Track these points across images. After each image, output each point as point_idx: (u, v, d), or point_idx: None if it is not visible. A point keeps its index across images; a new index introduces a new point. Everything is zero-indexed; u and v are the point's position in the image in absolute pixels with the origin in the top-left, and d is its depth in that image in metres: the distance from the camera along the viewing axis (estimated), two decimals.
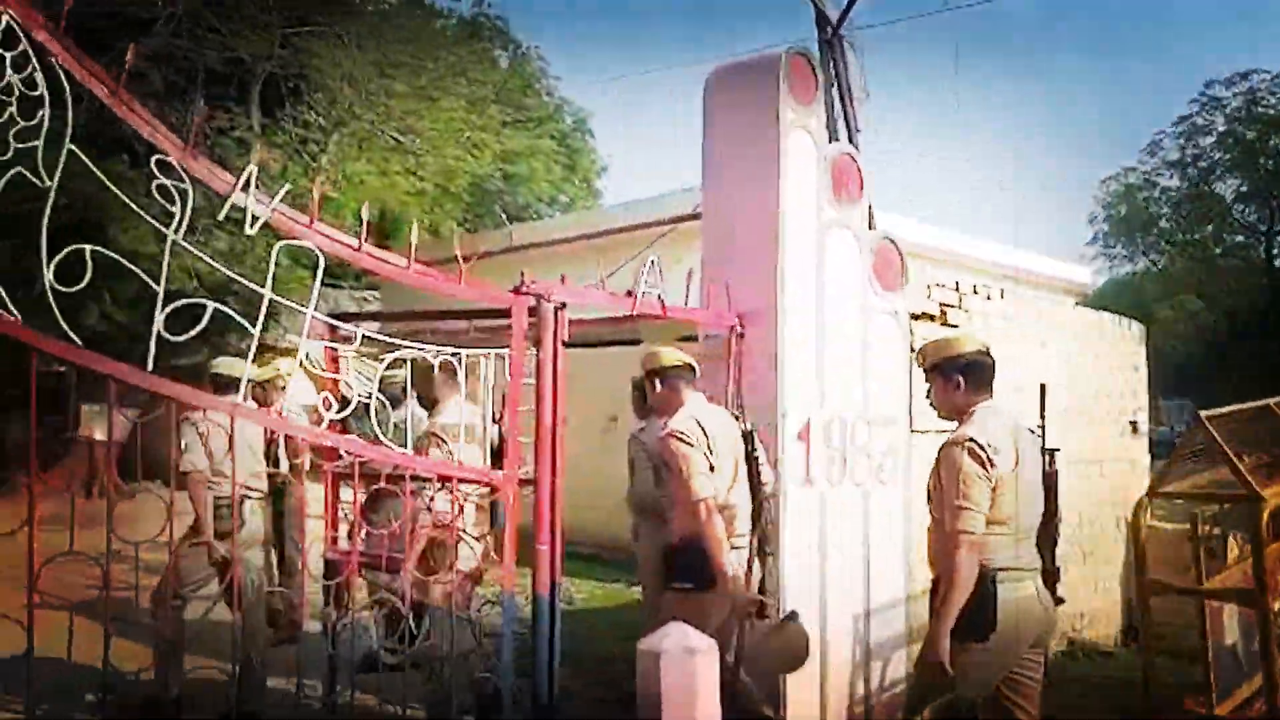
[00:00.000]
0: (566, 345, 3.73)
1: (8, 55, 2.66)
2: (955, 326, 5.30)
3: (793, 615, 3.87)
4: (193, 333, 2.93)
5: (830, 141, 4.78)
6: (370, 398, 3.49)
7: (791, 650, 3.81)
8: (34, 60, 2.69)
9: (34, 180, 2.72)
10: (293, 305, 3.23)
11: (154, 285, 2.92)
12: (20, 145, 2.69)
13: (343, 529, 4.09)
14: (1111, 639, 6.66)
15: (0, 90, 2.65)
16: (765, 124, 4.36)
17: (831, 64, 5.46)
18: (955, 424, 3.28)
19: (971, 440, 3.05)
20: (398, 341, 3.44)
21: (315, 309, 3.19)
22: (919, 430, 4.94)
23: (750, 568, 3.77)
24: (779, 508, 4.15)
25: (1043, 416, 3.60)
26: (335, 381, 3.73)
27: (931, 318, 5.17)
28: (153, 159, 2.90)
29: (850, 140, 5.00)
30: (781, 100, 4.33)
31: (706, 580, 3.67)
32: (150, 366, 2.88)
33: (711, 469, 3.70)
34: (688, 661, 2.95)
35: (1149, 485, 5.52)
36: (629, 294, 4.03)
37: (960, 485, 3.00)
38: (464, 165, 14.68)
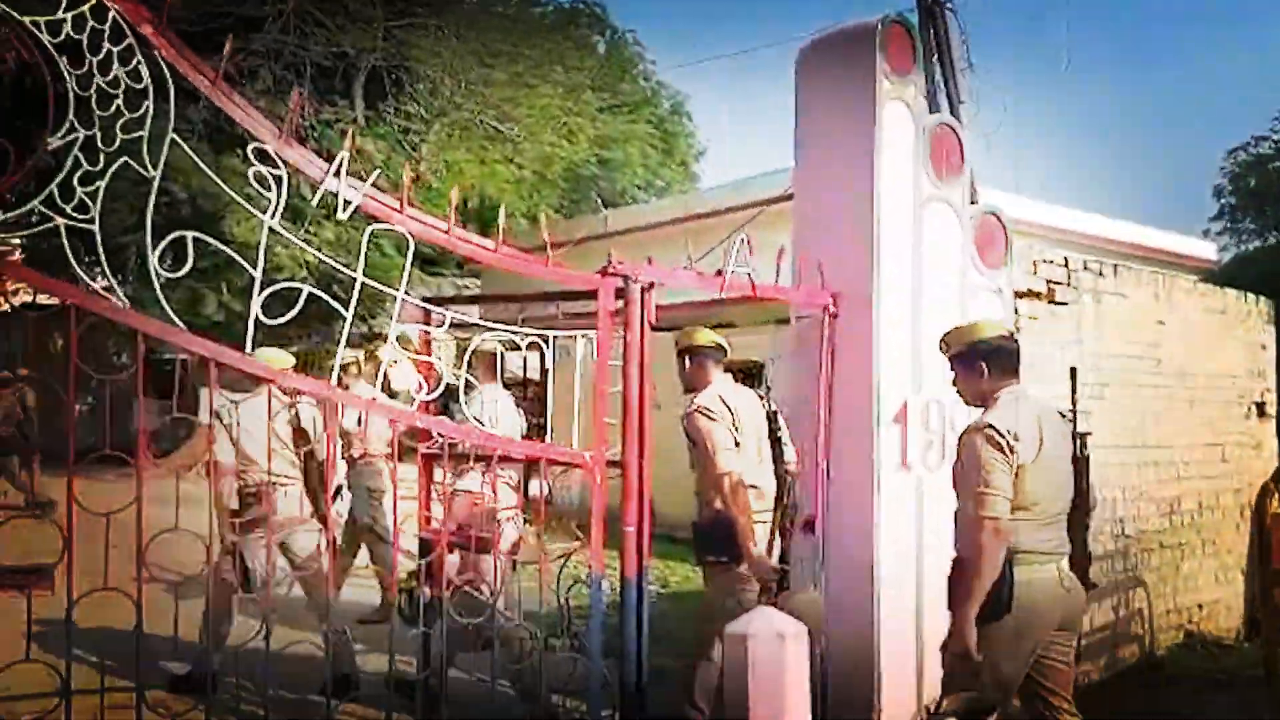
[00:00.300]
0: (656, 329, 3.70)
1: (115, 49, 2.77)
2: (1064, 305, 5.07)
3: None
4: (288, 316, 3.01)
5: (930, 113, 4.61)
6: (459, 380, 3.54)
7: (803, 621, 3.93)
8: (139, 54, 2.80)
9: (139, 171, 2.82)
10: (384, 289, 3.29)
11: (253, 271, 3.01)
12: (126, 137, 2.80)
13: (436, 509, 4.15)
14: (1232, 632, 6.30)
15: (107, 83, 2.76)
16: (861, 95, 4.23)
17: (932, 34, 5.26)
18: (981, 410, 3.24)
19: (990, 427, 3.05)
20: (486, 324, 3.47)
21: (417, 297, 3.26)
22: None
23: (772, 542, 4.02)
24: (874, 495, 4.04)
25: (1074, 399, 3.54)
26: (429, 364, 3.79)
27: (1038, 295, 4.95)
28: (250, 147, 2.99)
29: (952, 112, 4.80)
30: (878, 70, 4.19)
31: (736, 554, 3.87)
32: (249, 349, 2.98)
33: (736, 445, 3.94)
34: (777, 646, 2.91)
35: (1276, 470, 5.19)
36: (718, 274, 3.97)
37: (981, 471, 3.00)
38: (560, 152, 14.74)
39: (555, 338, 3.72)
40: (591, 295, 3.67)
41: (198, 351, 2.86)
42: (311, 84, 13.06)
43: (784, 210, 6.34)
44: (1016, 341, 3.31)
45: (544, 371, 3.77)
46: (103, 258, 2.76)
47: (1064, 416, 3.36)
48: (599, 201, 17.87)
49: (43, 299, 2.88)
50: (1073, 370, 3.52)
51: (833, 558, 4.13)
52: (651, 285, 3.70)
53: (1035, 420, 3.12)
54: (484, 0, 16.22)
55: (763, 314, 8.46)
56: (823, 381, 4.24)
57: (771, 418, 4.18)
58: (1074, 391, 3.47)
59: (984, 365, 3.23)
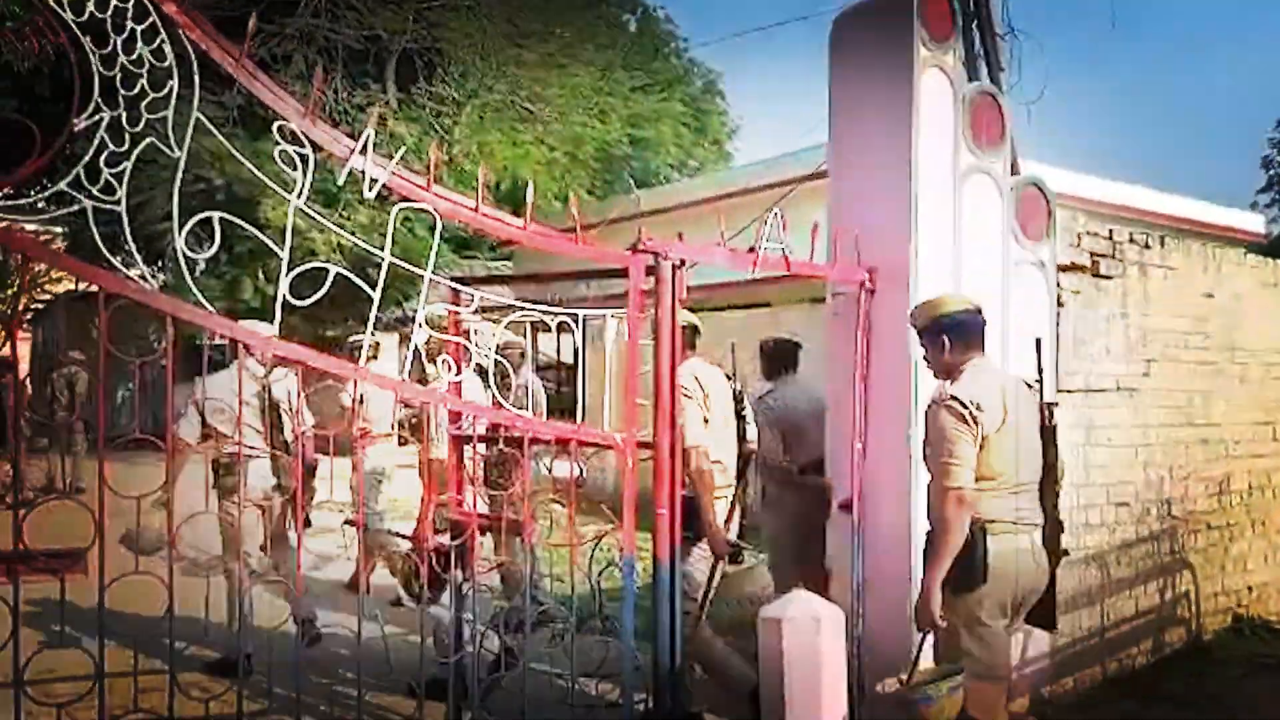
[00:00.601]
0: (694, 310, 3.63)
1: (138, 28, 2.74)
2: (1109, 278, 4.91)
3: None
4: (315, 298, 2.98)
5: (969, 82, 4.47)
6: (489, 361, 3.50)
7: (759, 591, 4.18)
8: (163, 32, 2.77)
9: (167, 152, 2.80)
10: (412, 269, 3.25)
11: (280, 253, 2.98)
12: (152, 117, 2.78)
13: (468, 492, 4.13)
14: None
15: (132, 63, 2.73)
16: (898, 63, 4.11)
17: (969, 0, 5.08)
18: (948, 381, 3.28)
19: (953, 399, 3.10)
20: (514, 303, 3.42)
21: (449, 278, 3.22)
22: (1066, 390, 4.61)
23: (730, 516, 4.14)
24: (911, 476, 3.95)
25: (1040, 369, 3.47)
26: (458, 345, 3.76)
27: (1082, 269, 4.81)
28: (275, 125, 2.95)
29: (991, 80, 4.65)
30: (915, 36, 4.07)
31: (698, 529, 3.90)
32: (276, 331, 2.96)
33: (706, 422, 4.01)
34: (812, 629, 2.85)
35: None
36: (750, 250, 3.89)
37: (945, 443, 3.06)
38: (592, 132, 14.67)
39: (586, 317, 3.67)
40: (623, 274, 3.61)
41: (225, 333, 2.84)
42: (343, 68, 13.08)
43: (818, 187, 6.22)
44: (980, 315, 3.37)
45: (575, 352, 3.71)
46: (128, 238, 2.74)
47: (1030, 387, 3.39)
48: (632, 182, 17.75)
49: (84, 287, 2.88)
50: (1038, 341, 3.55)
51: (869, 539, 4.06)
52: (683, 263, 3.64)
53: (999, 391, 3.17)
54: None
55: (796, 293, 8.37)
56: (859, 359, 4.15)
57: (737, 397, 4.38)
58: (1039, 361, 3.46)
59: (946, 339, 3.29)
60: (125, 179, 2.74)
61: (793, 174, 9.53)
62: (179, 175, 2.78)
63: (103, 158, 2.70)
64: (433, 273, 3.25)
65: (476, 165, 13.69)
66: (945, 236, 4.24)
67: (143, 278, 2.95)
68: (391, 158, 3.10)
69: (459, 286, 3.72)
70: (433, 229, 3.29)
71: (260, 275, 12.95)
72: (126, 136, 2.74)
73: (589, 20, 16.27)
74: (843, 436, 4.25)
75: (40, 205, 2.87)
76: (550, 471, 3.67)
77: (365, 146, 3.01)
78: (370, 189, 3.02)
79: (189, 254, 2.85)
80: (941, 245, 4.21)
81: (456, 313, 3.80)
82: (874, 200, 4.25)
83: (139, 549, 2.98)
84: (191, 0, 2.83)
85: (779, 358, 5.18)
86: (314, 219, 2.99)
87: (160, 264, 14.18)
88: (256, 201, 11.29)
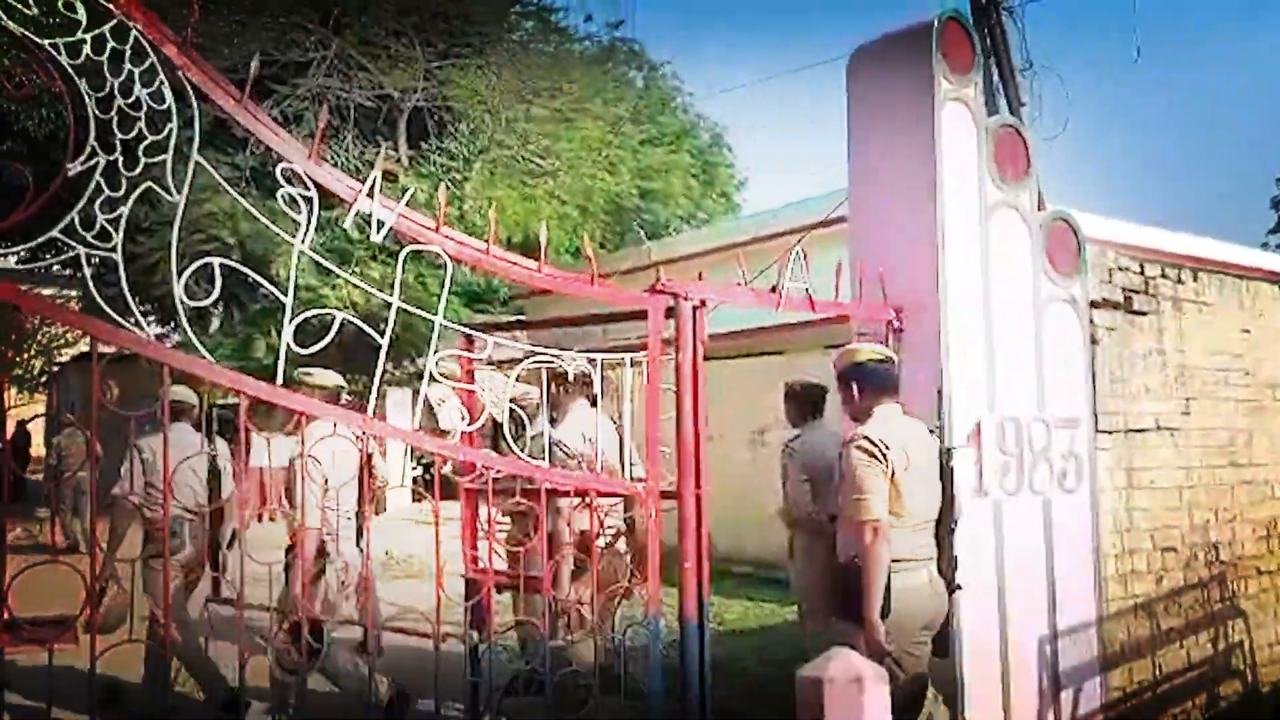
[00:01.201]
0: (708, 359, 3.48)
1: (136, 70, 2.65)
2: (1143, 314, 4.75)
3: None
4: (320, 345, 2.86)
5: (990, 116, 4.36)
6: (502, 412, 3.34)
7: None
8: (161, 74, 2.67)
9: (163, 193, 2.69)
10: (422, 314, 3.11)
11: (283, 299, 2.86)
12: (150, 160, 2.67)
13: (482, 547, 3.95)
14: None
15: (129, 105, 2.63)
16: (918, 97, 4.00)
17: (988, 34, 5.03)
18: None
19: (865, 438, 3.32)
20: (529, 347, 3.28)
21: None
22: (1105, 430, 4.42)
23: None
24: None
25: (940, 415, 3.78)
26: (470, 393, 3.61)
27: (1115, 305, 4.64)
28: (279, 168, 2.85)
29: (1013, 114, 4.55)
30: (935, 69, 3.96)
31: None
32: (279, 381, 2.82)
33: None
34: (854, 690, 2.64)
35: None
36: (773, 290, 3.75)
37: (857, 479, 3.27)
38: (601, 184, 14.68)
39: (603, 362, 3.52)
40: (640, 317, 3.47)
41: (223, 384, 2.70)
42: (355, 126, 13.17)
43: (830, 234, 6.16)
44: (892, 364, 3.59)
45: (592, 398, 3.56)
46: (124, 285, 2.61)
47: (932, 432, 3.64)
48: (642, 234, 17.77)
49: (102, 349, 2.76)
50: (939, 391, 3.83)
51: None
52: (703, 303, 3.49)
53: (904, 435, 3.40)
54: (523, 39, 16.33)
55: (811, 340, 8.23)
56: None
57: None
58: (940, 408, 3.78)
59: (858, 385, 3.51)
60: (121, 225, 2.62)
61: (803, 222, 9.52)
62: (178, 218, 2.67)
63: (98, 203, 2.59)
64: (445, 325, 3.12)
65: (487, 219, 13.72)
66: (973, 272, 4.09)
67: (159, 338, 2.82)
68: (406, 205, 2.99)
69: (472, 332, 3.58)
70: (444, 282, 3.17)
71: (272, 333, 12.92)
72: (123, 181, 2.63)
73: (596, 76, 16.40)
74: None
75: (32, 254, 2.72)
76: (570, 524, 3.49)
77: (372, 189, 2.90)
78: (378, 231, 2.90)
79: (188, 302, 2.72)
80: (970, 281, 4.07)
81: (469, 359, 3.66)
82: (898, 237, 4.11)
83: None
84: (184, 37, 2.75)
85: (806, 402, 4.99)
86: (323, 266, 2.87)
87: (175, 324, 14.19)
88: (269, 260, 11.29)
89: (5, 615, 2.48)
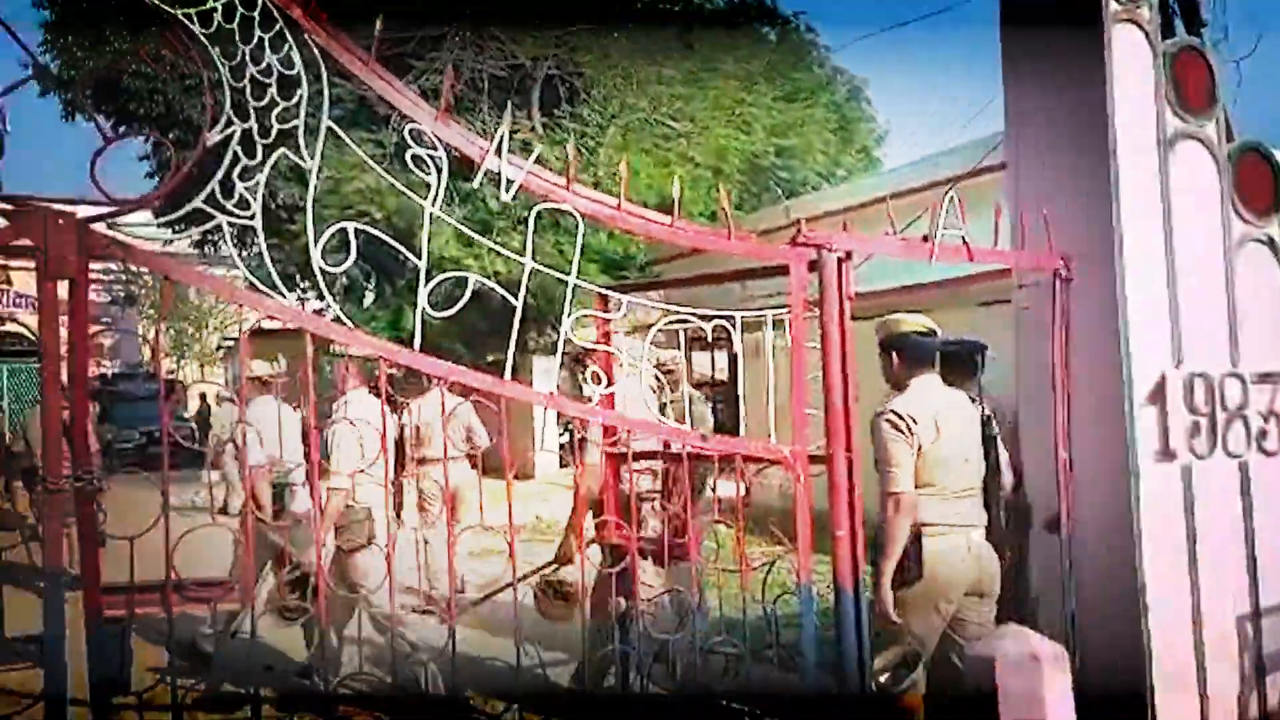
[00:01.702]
0: (854, 319, 3.26)
1: (265, 36, 2.63)
2: None
3: None
4: (454, 310, 2.82)
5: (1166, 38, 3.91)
6: (643, 375, 3.23)
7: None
8: (290, 39, 2.65)
9: (297, 161, 2.68)
10: (555, 274, 3.01)
11: (416, 260, 2.83)
12: (282, 126, 2.66)
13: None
14: None
15: (260, 71, 2.63)
16: (1084, 18, 3.61)
17: None
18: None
19: (892, 411, 3.44)
20: (665, 306, 3.14)
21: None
22: None
23: None
24: (1131, 487, 3.43)
25: (979, 383, 3.89)
26: (607, 355, 3.51)
27: None
28: (406, 128, 2.80)
29: (1193, 35, 4.06)
30: None
31: None
32: (417, 346, 2.80)
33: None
34: (1031, 671, 2.41)
35: None
36: (924, 239, 3.48)
37: (884, 451, 3.41)
38: (736, 143, 14.38)
39: (743, 322, 3.35)
40: (782, 272, 3.28)
41: (365, 350, 2.69)
42: (489, 97, 13.32)
43: (979, 184, 5.77)
44: (934, 337, 3.64)
45: (732, 358, 3.40)
46: (265, 253, 2.63)
47: (974, 401, 3.71)
48: (780, 194, 17.35)
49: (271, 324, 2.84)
50: (982, 353, 3.99)
51: (1083, 563, 3.53)
52: (848, 255, 3.26)
53: (938, 407, 3.47)
54: (652, 0, 16.13)
55: (958, 297, 7.80)
56: (1057, 358, 3.65)
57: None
58: (981, 371, 3.89)
59: (898, 355, 3.61)
60: (259, 194, 2.63)
61: (954, 171, 9.00)
62: (313, 182, 2.65)
63: (235, 171, 2.60)
64: (578, 284, 3.03)
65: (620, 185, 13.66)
66: (1152, 213, 3.69)
67: (317, 312, 2.85)
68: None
69: (607, 292, 3.47)
70: (588, 256, 3.08)
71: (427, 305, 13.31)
72: (259, 149, 2.63)
73: (728, 34, 16.04)
74: (1039, 447, 3.75)
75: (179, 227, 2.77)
76: (714, 490, 3.35)
77: (500, 146, 2.82)
78: (506, 190, 2.81)
79: (328, 269, 2.73)
80: (1149, 223, 3.67)
81: (606, 321, 3.55)
82: (1064, 179, 3.76)
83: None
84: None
85: (959, 364, 4.67)
86: (465, 237, 2.82)
87: (331, 297, 14.85)
88: (414, 232, 11.56)
89: (172, 576, 2.55)
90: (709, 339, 3.42)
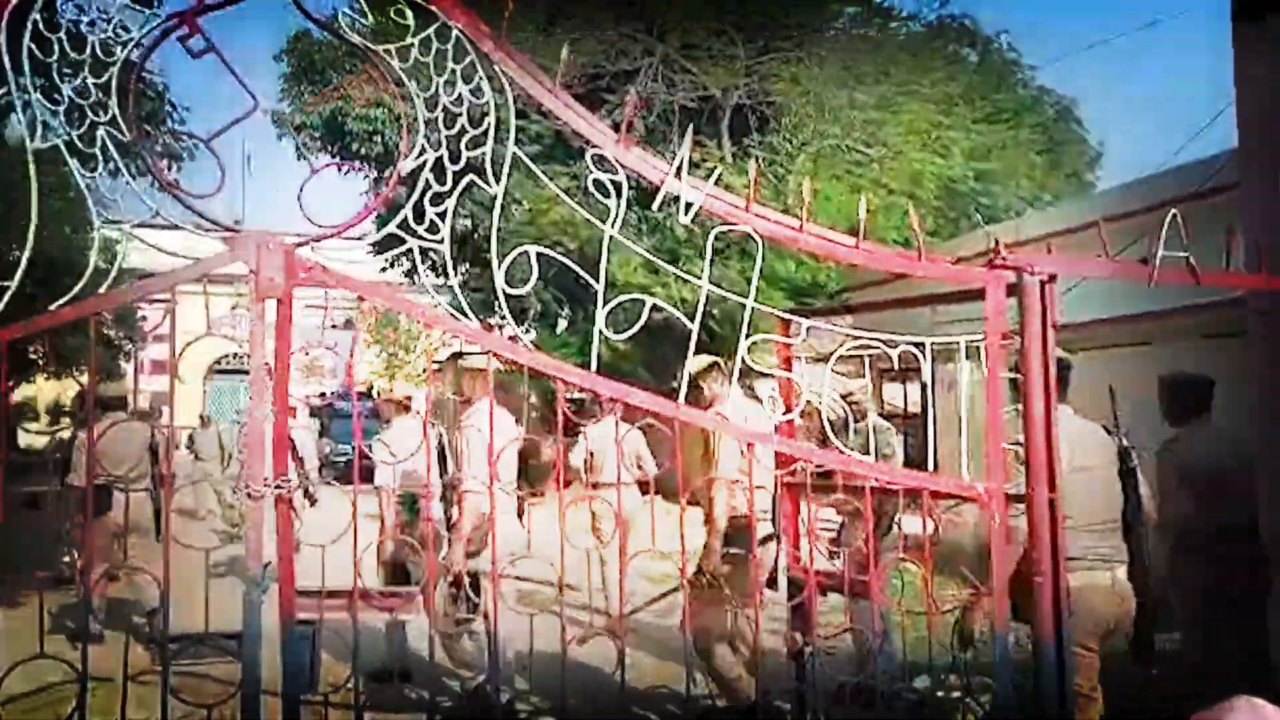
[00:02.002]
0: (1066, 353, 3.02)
1: (458, 67, 2.74)
2: None
3: None
4: (631, 331, 2.82)
5: None
6: (826, 403, 3.11)
7: None
8: (480, 70, 2.75)
9: (482, 185, 2.77)
10: (734, 297, 2.96)
11: (592, 280, 2.86)
12: (470, 153, 2.76)
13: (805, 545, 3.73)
14: None
15: (452, 102, 2.73)
16: None
17: None
18: None
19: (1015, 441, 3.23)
20: (849, 331, 3.01)
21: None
22: None
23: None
24: None
25: (1115, 416, 3.64)
26: (788, 383, 3.41)
27: None
28: (588, 154, 2.83)
29: None
30: None
31: None
32: (594, 366, 2.81)
33: None
34: None
35: None
36: (1143, 261, 3.17)
37: None
38: (932, 168, 13.87)
39: (935, 348, 3.16)
40: (978, 296, 3.07)
41: (544, 371, 2.73)
42: (678, 128, 13.52)
43: (1200, 207, 5.25)
44: (1067, 366, 3.47)
45: (922, 387, 3.21)
46: (453, 278, 2.71)
47: (1110, 433, 3.58)
48: (979, 219, 16.58)
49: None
50: (1110, 388, 3.74)
51: None
52: (1052, 278, 3.02)
53: (1072, 437, 3.26)
54: (845, 25, 15.92)
55: (1186, 327, 7.12)
56: None
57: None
58: (1114, 406, 3.68)
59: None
60: (448, 219, 2.72)
61: (1174, 193, 8.28)
62: (497, 207, 2.73)
63: (427, 197, 2.71)
64: (757, 308, 2.96)
65: (810, 213, 13.47)
66: None
67: (512, 338, 2.95)
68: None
69: (789, 317, 3.37)
70: (768, 279, 3.03)
71: (611, 330, 13.60)
72: (449, 175, 2.74)
73: (924, 56, 15.57)
74: None
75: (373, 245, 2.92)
76: (899, 527, 3.17)
77: (680, 169, 2.80)
78: (686, 212, 2.79)
79: (509, 290, 2.79)
80: None
81: (787, 346, 3.45)
82: None
83: None
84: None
85: (1187, 398, 4.23)
86: (653, 265, 2.83)
87: (525, 327, 15.45)
88: (598, 260, 11.87)
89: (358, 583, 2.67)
90: (898, 369, 3.27)
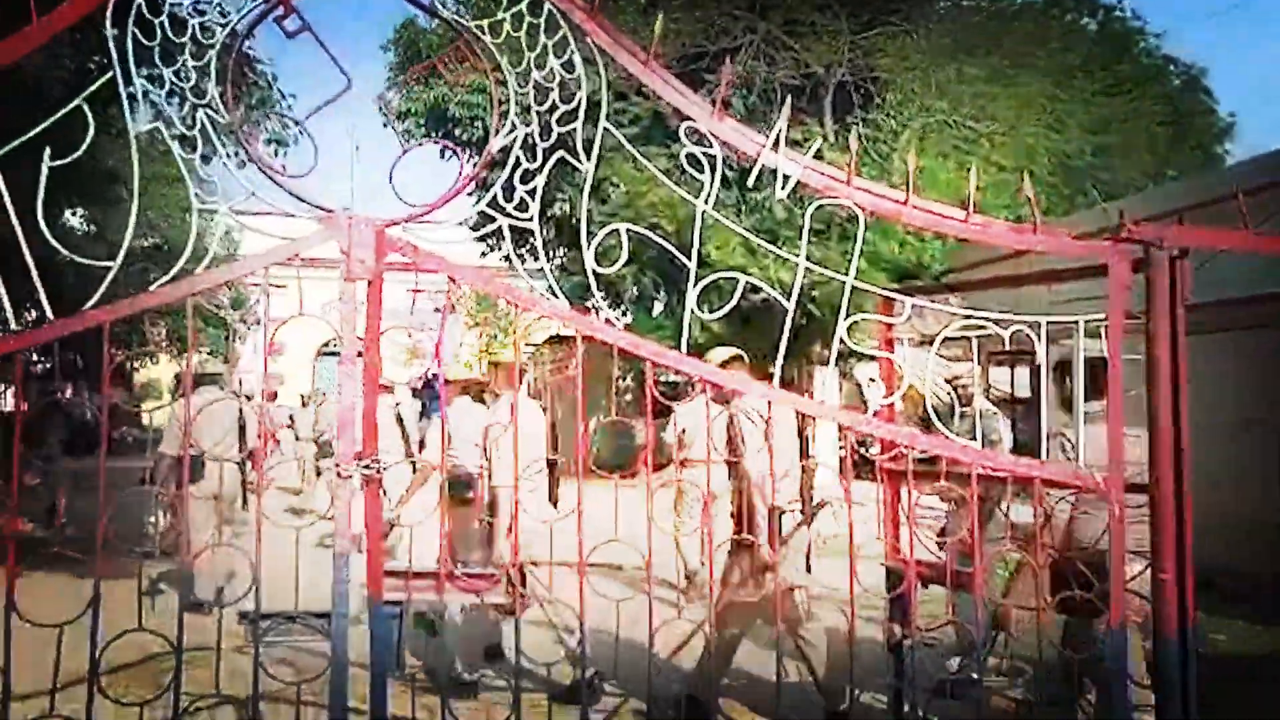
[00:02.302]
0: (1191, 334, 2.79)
1: (549, 42, 2.69)
2: None
3: None
4: (724, 311, 2.74)
5: None
6: (930, 387, 2.96)
7: None
8: (572, 43, 2.69)
9: (573, 162, 2.72)
10: (833, 275, 2.84)
11: (685, 259, 2.79)
12: (561, 129, 2.71)
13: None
14: None
15: (544, 77, 2.68)
16: None
17: None
18: None
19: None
20: (956, 311, 2.85)
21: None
22: None
23: None
24: None
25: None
26: (890, 365, 3.27)
27: None
28: (682, 126, 2.75)
29: None
30: None
31: None
32: (684, 349, 2.75)
33: None
34: None
35: None
36: None
37: None
38: (1046, 143, 13.25)
39: (1050, 328, 2.97)
40: (1100, 272, 2.88)
41: (628, 349, 2.68)
42: (779, 108, 13.28)
43: None
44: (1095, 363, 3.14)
45: (1034, 371, 3.03)
46: (543, 258, 2.68)
47: None
48: (1097, 196, 15.79)
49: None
50: None
51: None
52: (1184, 253, 2.79)
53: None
54: None
55: None
56: None
57: None
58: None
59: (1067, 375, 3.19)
60: (538, 196, 2.69)
61: None
62: (587, 185, 2.67)
63: (517, 175, 2.67)
64: (856, 286, 2.83)
65: (918, 190, 13.05)
66: None
67: (609, 322, 2.92)
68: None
69: (892, 295, 3.22)
70: (873, 261, 2.90)
71: (706, 312, 13.50)
72: (539, 152, 2.70)
73: (1039, 26, 14.87)
74: None
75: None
76: (1007, 516, 3.00)
77: (777, 141, 2.70)
78: (783, 186, 2.68)
79: (599, 271, 2.74)
80: None
81: (889, 327, 3.30)
82: None
83: None
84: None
85: None
86: (751, 245, 2.76)
87: (623, 310, 15.47)
88: (703, 242, 11.76)
89: (445, 565, 2.67)
90: (1008, 351, 3.09)
